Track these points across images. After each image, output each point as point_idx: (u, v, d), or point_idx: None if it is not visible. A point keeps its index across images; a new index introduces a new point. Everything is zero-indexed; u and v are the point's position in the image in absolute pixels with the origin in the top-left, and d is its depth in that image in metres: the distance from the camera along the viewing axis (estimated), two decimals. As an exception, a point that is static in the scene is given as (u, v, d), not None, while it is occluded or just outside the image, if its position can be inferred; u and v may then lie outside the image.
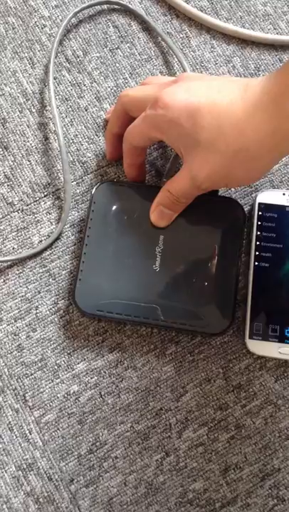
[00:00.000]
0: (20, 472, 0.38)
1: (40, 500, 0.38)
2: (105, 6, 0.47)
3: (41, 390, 0.39)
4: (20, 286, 0.41)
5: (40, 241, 0.42)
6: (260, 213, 0.41)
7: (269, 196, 0.42)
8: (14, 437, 0.39)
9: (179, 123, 0.34)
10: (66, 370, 0.40)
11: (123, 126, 0.40)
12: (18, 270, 0.42)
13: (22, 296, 0.41)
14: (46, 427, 0.39)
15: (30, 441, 0.39)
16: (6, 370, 0.40)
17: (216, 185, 0.37)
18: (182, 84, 0.36)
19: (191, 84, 0.35)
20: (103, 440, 0.39)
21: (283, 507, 0.38)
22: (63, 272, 0.42)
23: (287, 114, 0.31)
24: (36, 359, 0.40)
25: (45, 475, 0.38)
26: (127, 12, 0.47)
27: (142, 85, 0.41)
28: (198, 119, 0.33)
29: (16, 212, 0.43)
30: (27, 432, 0.39)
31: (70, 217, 0.43)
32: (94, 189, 0.41)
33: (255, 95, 0.32)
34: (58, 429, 0.39)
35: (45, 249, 0.42)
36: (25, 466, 0.38)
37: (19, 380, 0.40)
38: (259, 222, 0.41)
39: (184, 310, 0.38)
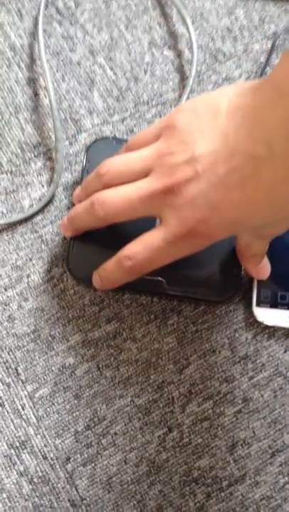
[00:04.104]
0: (12, 451, 0.36)
1: (35, 480, 0.36)
2: None
3: (34, 363, 0.37)
4: (11, 253, 0.39)
5: (31, 205, 0.40)
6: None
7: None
8: (6, 413, 0.37)
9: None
10: (61, 341, 0.38)
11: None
12: (7, 236, 0.39)
13: (12, 264, 0.39)
14: (40, 402, 0.37)
15: (23, 417, 0.37)
16: (-4, 342, 0.38)
17: None
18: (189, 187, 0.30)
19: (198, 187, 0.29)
20: (101, 416, 0.37)
21: (294, 484, 0.36)
22: (56, 238, 0.39)
23: None
24: (29, 330, 0.38)
25: (39, 453, 0.36)
26: None
27: (124, 152, 0.34)
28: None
29: (5, 174, 0.40)
30: (19, 407, 0.37)
31: (62, 180, 0.40)
32: (88, 147, 0.39)
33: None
34: (53, 404, 0.37)
35: (36, 213, 0.40)
36: (17, 444, 0.36)
37: (11, 353, 0.37)
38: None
39: (187, 277, 0.36)
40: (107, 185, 0.33)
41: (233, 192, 0.29)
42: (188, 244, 0.31)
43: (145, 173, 0.32)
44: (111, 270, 0.34)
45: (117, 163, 0.33)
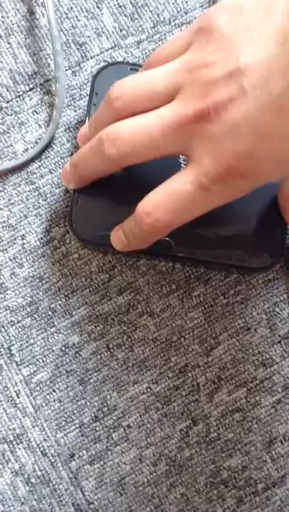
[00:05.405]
0: (5, 445, 0.33)
1: (32, 480, 0.33)
2: None
3: (31, 341, 0.34)
4: (1, 209, 0.35)
5: (26, 149, 0.36)
6: None
7: None
8: (-3, 402, 0.34)
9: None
10: (63, 316, 0.34)
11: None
12: (-3, 188, 0.35)
13: (4, 222, 0.35)
14: (39, 389, 0.34)
15: (18, 406, 0.34)
16: (-15, 316, 0.35)
17: None
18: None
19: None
20: (112, 405, 0.34)
21: None
22: (57, 191, 0.35)
23: None
24: (24, 303, 0.34)
25: (37, 449, 0.33)
26: None
27: (144, 70, 0.29)
28: None
29: (-6, 112, 0.36)
30: (14, 394, 0.34)
31: (64, 118, 0.36)
32: (95, 75, 0.34)
33: None
34: (54, 390, 0.34)
35: (32, 160, 0.35)
36: (11, 438, 0.33)
37: (3, 330, 0.34)
38: None
39: (215, 237, 0.33)
40: (120, 115, 0.27)
41: None
42: (226, 190, 0.25)
43: (171, 96, 0.25)
44: (133, 228, 0.29)
45: (132, 83, 0.27)
